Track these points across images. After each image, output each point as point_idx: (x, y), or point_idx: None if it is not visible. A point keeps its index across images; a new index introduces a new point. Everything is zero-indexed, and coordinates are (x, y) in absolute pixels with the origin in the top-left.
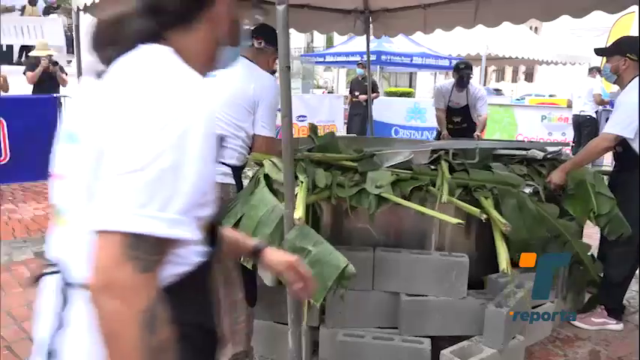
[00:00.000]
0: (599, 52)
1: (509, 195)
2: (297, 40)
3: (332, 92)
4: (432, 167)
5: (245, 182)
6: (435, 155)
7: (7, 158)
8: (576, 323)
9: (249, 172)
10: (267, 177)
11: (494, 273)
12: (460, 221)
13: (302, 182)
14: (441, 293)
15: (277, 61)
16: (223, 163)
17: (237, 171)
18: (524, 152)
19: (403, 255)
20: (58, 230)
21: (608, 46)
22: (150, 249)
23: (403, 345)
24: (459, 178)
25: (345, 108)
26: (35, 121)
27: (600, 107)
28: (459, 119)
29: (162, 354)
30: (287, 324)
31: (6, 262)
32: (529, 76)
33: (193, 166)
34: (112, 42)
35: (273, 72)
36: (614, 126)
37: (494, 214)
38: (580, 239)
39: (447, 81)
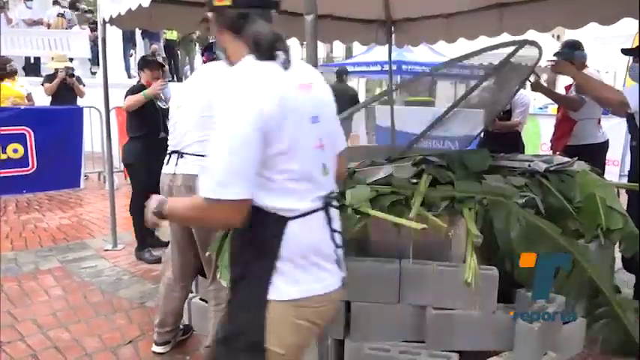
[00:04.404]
0: (626, 52)
1: (499, 206)
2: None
3: None
4: (414, 181)
5: None
6: (419, 169)
7: (34, 168)
8: None
9: None
10: None
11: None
12: (424, 226)
13: None
14: (470, 307)
15: None
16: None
17: None
18: (526, 164)
19: (430, 267)
20: None
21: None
22: None
23: None
24: (444, 191)
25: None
26: (61, 131)
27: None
28: None
29: None
30: None
31: (32, 270)
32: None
33: None
34: None
35: None
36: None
37: (470, 225)
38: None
39: None
